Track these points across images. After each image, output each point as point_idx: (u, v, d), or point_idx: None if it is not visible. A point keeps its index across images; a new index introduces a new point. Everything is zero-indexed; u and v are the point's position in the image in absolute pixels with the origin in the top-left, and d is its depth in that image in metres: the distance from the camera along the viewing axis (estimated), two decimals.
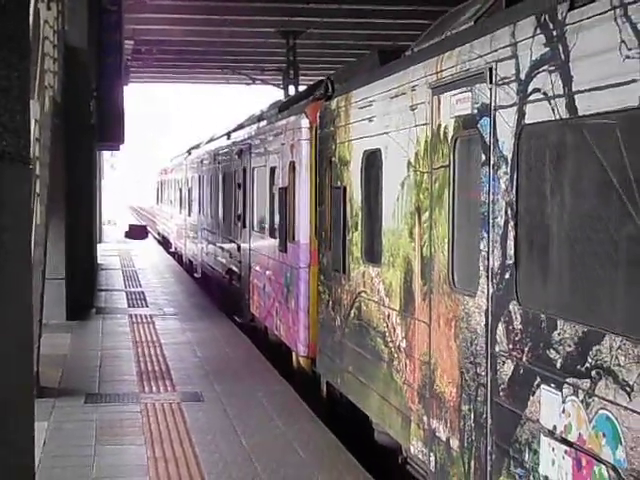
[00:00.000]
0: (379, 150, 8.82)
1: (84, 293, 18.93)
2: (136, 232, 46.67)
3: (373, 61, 11.62)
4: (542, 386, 5.46)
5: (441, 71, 7.20)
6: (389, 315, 8.50)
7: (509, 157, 5.92)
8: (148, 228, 50.45)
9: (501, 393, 6.03)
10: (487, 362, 6.24)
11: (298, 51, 36.45)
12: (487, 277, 6.24)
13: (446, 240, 7.05)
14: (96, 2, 21.96)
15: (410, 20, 29.18)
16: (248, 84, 45.75)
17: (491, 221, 6.18)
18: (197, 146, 31.23)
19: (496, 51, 6.15)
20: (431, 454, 7.33)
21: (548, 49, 5.41)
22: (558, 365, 5.26)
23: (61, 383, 12.43)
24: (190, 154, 31.31)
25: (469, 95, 6.61)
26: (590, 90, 4.94)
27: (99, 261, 28.95)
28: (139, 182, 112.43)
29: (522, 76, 5.74)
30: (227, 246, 20.42)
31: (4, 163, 3.88)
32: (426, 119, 7.50)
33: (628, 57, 4.56)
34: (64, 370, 13.22)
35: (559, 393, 5.25)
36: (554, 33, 5.34)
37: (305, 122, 12.65)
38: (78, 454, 9.20)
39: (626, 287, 4.69)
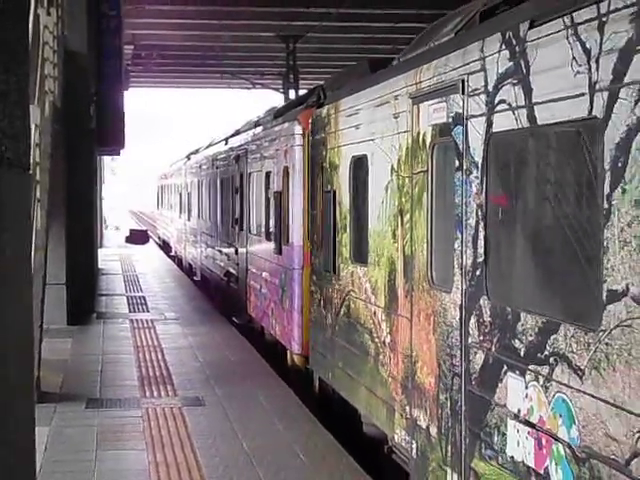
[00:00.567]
0: (365, 156, 9.30)
1: (85, 298, 18.96)
2: (137, 237, 46.67)
3: (364, 70, 12.09)
4: (508, 373, 5.94)
5: (420, 82, 7.68)
6: (375, 312, 8.97)
7: (479, 163, 6.39)
8: (149, 233, 50.76)
9: (473, 382, 6.50)
10: (461, 353, 6.71)
11: (298, 55, 36.71)
12: (461, 274, 6.72)
13: (425, 240, 7.53)
14: (95, 7, 22.00)
15: (409, 24, 29.23)
16: (248, 88, 46.01)
17: (464, 222, 6.65)
18: (196, 151, 31.74)
19: (468, 64, 6.63)
20: (413, 442, 7.80)
21: (512, 64, 5.89)
22: (522, 354, 5.74)
23: (62, 388, 12.45)
24: (189, 159, 31.80)
25: (444, 105, 7.09)
26: (547, 102, 5.41)
27: (100, 266, 28.95)
28: (140, 187, 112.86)
29: (490, 88, 6.22)
30: (225, 249, 20.91)
31: (4, 169, 3.81)
32: (407, 127, 7.98)
33: (578, 72, 5.03)
34: (65, 375, 13.24)
35: (522, 379, 5.72)
36: (517, 49, 5.82)
37: (298, 129, 13.13)
38: (79, 459, 9.22)
39: (578, 282, 5.16)
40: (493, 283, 6.23)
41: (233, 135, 22.25)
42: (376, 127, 8.94)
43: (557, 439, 5.29)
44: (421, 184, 7.63)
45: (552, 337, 5.34)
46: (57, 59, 14.57)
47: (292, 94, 35.88)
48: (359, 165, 9.60)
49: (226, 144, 22.09)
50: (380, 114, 8.81)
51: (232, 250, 19.70)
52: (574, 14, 5.10)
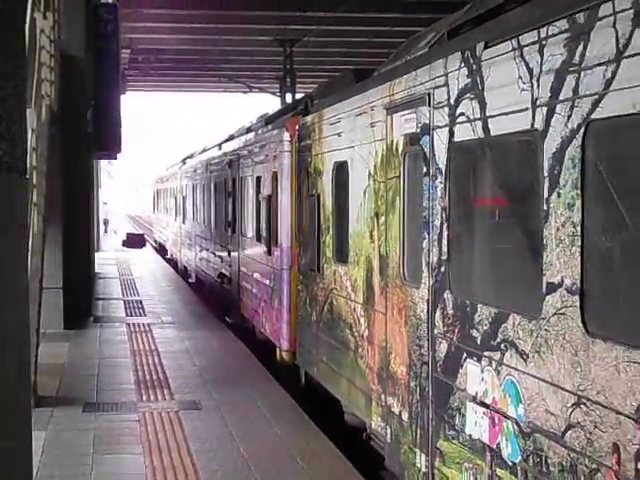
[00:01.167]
0: (346, 162, 9.92)
1: (82, 302, 18.81)
2: (134, 241, 47.02)
3: (349, 79, 12.71)
4: (467, 360, 6.56)
5: (393, 94, 8.31)
6: (355, 308, 9.60)
7: (443, 169, 7.02)
8: (145, 236, 51.26)
9: (439, 369, 7.12)
10: (428, 343, 7.34)
11: (295, 59, 36.30)
12: (428, 271, 7.34)
13: (398, 241, 8.15)
14: (92, 11, 21.89)
15: (405, 28, 28.93)
16: (245, 92, 46.20)
17: (430, 223, 7.28)
18: (191, 156, 32.38)
19: (433, 79, 7.25)
20: (387, 427, 8.43)
21: (470, 80, 6.52)
22: (478, 342, 6.36)
23: (59, 392, 12.38)
24: (185, 163, 32.44)
25: (414, 116, 7.72)
26: (498, 115, 6.04)
27: (97, 270, 28.90)
28: (137, 191, 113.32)
29: (452, 101, 6.85)
30: (219, 252, 21.54)
31: (1, 173, 3.79)
32: (382, 135, 8.61)
33: (523, 89, 5.66)
34: (62, 379, 13.17)
35: (479, 365, 6.35)
36: (473, 67, 6.45)
37: (286, 135, 13.76)
38: (76, 463, 9.18)
39: (523, 276, 5.79)
40: (455, 279, 6.86)
41: (226, 140, 22.89)
42: (355, 135, 9.57)
43: (507, 417, 5.92)
44: (394, 189, 8.25)
45: (503, 326, 5.97)
46: (54, 63, 14.54)
47: (289, 98, 36.08)
48: (340, 170, 10.22)
49: (220, 149, 22.72)
50: (359, 123, 9.44)
51: (225, 252, 20.32)
52: (520, 37, 5.73)
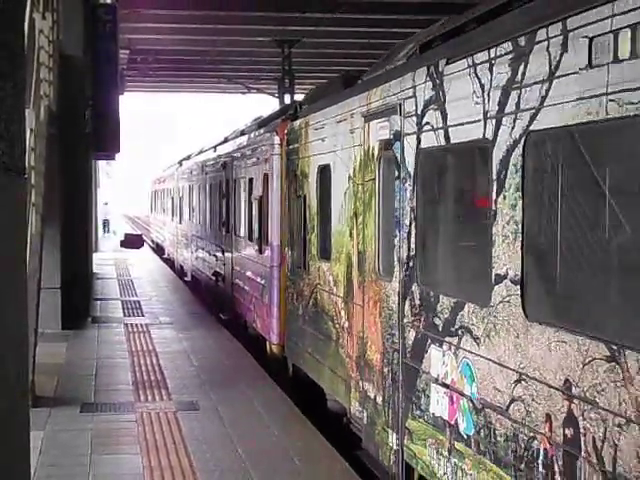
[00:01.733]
0: (329, 165, 10.62)
1: (80, 302, 18.76)
2: (132, 241, 47.31)
3: (337, 85, 13.40)
4: (431, 346, 7.25)
5: (370, 103, 9.00)
6: (336, 302, 10.29)
7: (412, 173, 7.71)
8: (143, 237, 51.81)
9: (407, 355, 7.82)
10: (399, 332, 8.03)
11: (293, 60, 36.08)
12: (399, 266, 8.04)
13: (374, 238, 8.85)
14: (91, 12, 21.86)
15: (404, 29, 28.47)
16: (244, 93, 46.25)
17: (401, 222, 7.97)
18: (188, 157, 33.08)
19: (404, 91, 7.95)
20: (364, 411, 9.12)
21: (434, 92, 7.21)
22: (440, 329, 7.05)
23: (57, 392, 12.37)
24: (181, 165, 33.15)
25: (388, 124, 8.41)
26: (457, 125, 6.73)
27: (95, 270, 28.85)
28: (135, 191, 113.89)
29: (419, 112, 7.54)
30: (213, 250, 22.25)
31: (0, 172, 3.79)
32: (360, 141, 9.31)
33: (477, 103, 6.36)
34: (60, 379, 13.16)
35: (441, 349, 7.04)
36: (437, 81, 7.15)
37: (276, 139, 14.45)
38: (74, 463, 9.20)
39: (476, 268, 6.49)
40: (421, 272, 7.55)
41: (221, 143, 23.59)
42: (337, 140, 10.26)
43: (463, 395, 6.61)
44: (370, 190, 8.95)
45: (460, 314, 6.67)
46: (52, 63, 14.54)
47: (287, 99, 36.26)
48: (324, 173, 10.91)
49: (215, 151, 23.42)
50: (340, 129, 10.13)
51: (219, 251, 21.03)
52: (474, 56, 6.42)
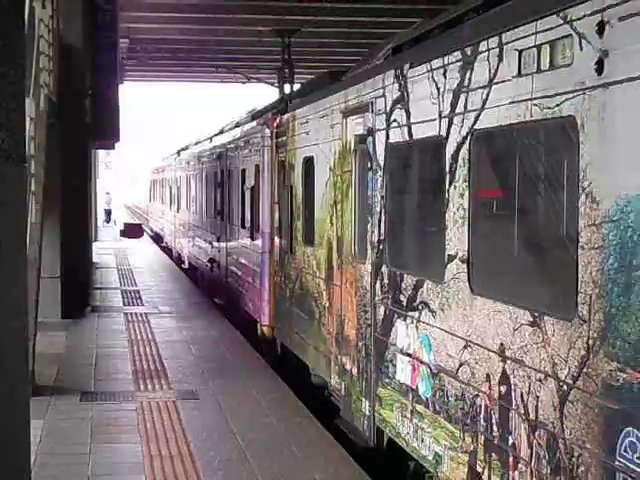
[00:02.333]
0: (313, 157, 11.45)
1: (79, 291, 18.74)
2: (132, 231, 47.63)
3: (324, 81, 14.22)
4: (397, 320, 8.10)
5: (347, 101, 9.84)
6: (319, 283, 11.14)
7: (382, 165, 8.55)
8: (142, 226, 52.50)
9: (378, 329, 8.67)
10: (371, 309, 8.88)
11: (293, 49, 35.48)
12: (371, 249, 8.88)
13: (350, 225, 9.69)
14: (91, 0, 21.81)
15: (404, 19, 28.20)
16: (243, 83, 46.22)
17: (373, 210, 8.81)
18: (186, 148, 33.92)
19: (375, 90, 8.78)
20: (342, 383, 9.97)
21: (400, 93, 8.04)
22: (404, 304, 7.90)
23: (56, 381, 12.39)
24: (179, 155, 34.00)
25: (362, 120, 9.24)
26: (418, 123, 7.57)
27: (94, 259, 28.74)
28: (134, 181, 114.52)
29: (388, 110, 8.37)
30: (209, 238, 23.11)
31: (0, 160, 3.82)
32: (339, 135, 10.14)
33: (433, 103, 7.19)
34: (59, 368, 13.17)
35: (405, 323, 7.89)
36: (402, 83, 7.98)
37: (267, 131, 15.27)
38: (74, 452, 9.23)
39: (434, 250, 7.33)
40: (389, 254, 8.40)
41: (217, 134, 24.44)
42: (320, 134, 11.09)
43: (422, 362, 7.46)
44: (348, 181, 9.79)
45: (420, 290, 7.51)
46: (52, 52, 14.49)
47: (287, 88, 36.20)
48: (308, 165, 11.75)
49: (211, 142, 24.26)
50: (322, 124, 10.97)
51: (215, 238, 21.89)
52: (432, 62, 7.25)
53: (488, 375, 6.19)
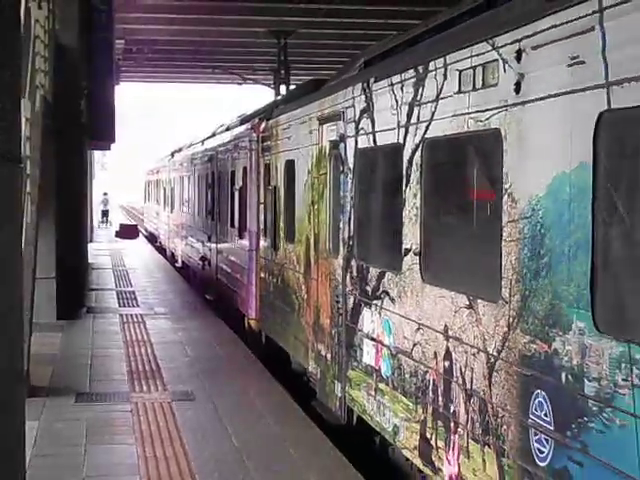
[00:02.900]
0: (294, 160, 12.35)
1: (75, 292, 18.66)
2: (127, 231, 47.95)
3: (309, 88, 15.11)
4: (364, 308, 9.00)
5: (323, 109, 10.74)
6: (298, 277, 12.03)
7: (352, 168, 9.45)
8: (138, 227, 53.22)
9: (348, 317, 9.56)
10: (342, 299, 9.77)
11: (289, 51, 36.12)
12: (343, 245, 9.78)
13: (326, 223, 10.59)
14: (87, 1, 21.46)
15: (400, 20, 28.20)
16: (239, 84, 46.39)
17: (344, 209, 9.71)
18: (179, 150, 34.81)
19: (346, 100, 9.67)
20: (318, 368, 10.87)
21: (366, 104, 8.94)
22: (369, 294, 8.80)
23: (51, 382, 12.38)
24: (173, 157, 34.90)
25: (335, 127, 10.14)
26: (381, 131, 8.47)
27: (90, 260, 28.63)
28: (130, 182, 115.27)
29: (356, 118, 9.27)
30: (201, 237, 24.02)
31: None
32: (316, 141, 11.04)
33: (392, 114, 8.09)
34: (54, 369, 13.17)
35: (370, 310, 8.79)
36: (368, 95, 8.87)
37: (254, 135, 16.17)
38: (69, 453, 9.21)
39: (393, 244, 8.22)
40: (357, 249, 9.30)
41: (209, 137, 25.34)
42: (299, 139, 11.99)
43: (384, 345, 8.36)
44: (323, 183, 10.69)
45: (382, 281, 8.41)
46: (48, 53, 14.49)
47: (283, 90, 36.16)
48: (290, 167, 12.65)
49: (203, 145, 25.16)
50: (302, 130, 11.86)
51: (206, 237, 22.80)
52: (392, 77, 8.14)
53: (435, 353, 7.08)
